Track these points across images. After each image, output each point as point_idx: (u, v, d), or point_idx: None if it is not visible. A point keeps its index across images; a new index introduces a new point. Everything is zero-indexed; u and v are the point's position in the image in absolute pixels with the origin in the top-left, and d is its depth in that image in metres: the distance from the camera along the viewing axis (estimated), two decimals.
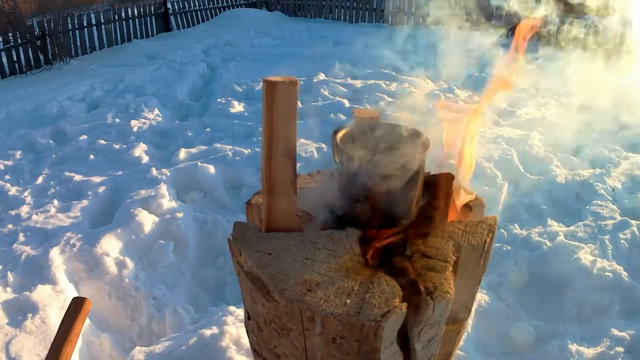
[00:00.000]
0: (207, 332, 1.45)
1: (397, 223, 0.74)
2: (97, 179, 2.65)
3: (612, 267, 1.75)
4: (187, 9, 8.66)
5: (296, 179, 0.70)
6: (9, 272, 1.82)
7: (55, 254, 1.85)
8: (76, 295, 1.58)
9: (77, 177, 2.69)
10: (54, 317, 1.49)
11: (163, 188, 2.28)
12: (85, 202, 2.39)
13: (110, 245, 1.95)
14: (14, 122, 4.12)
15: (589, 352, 1.46)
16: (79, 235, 1.97)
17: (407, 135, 0.76)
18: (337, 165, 0.75)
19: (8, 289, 1.72)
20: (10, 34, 6.76)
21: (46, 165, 3.00)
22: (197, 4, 8.83)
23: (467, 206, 0.80)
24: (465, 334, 1.46)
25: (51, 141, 3.44)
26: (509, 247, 1.94)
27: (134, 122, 3.61)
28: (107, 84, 5.12)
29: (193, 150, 2.89)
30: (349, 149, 0.72)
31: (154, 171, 2.46)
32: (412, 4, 8.23)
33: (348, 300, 0.59)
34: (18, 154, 3.23)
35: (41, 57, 6.86)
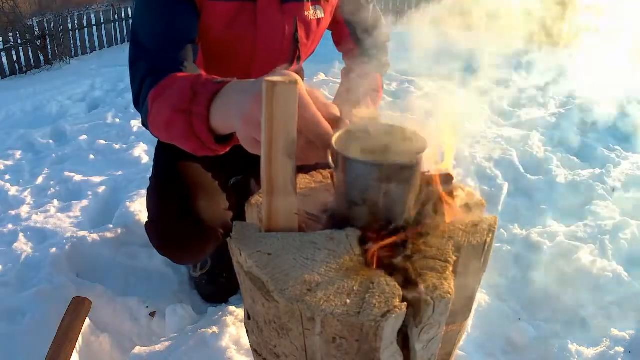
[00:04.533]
0: (207, 332, 1.45)
1: (396, 224, 0.74)
2: (97, 179, 2.65)
3: (612, 267, 1.75)
4: None
5: (296, 179, 0.69)
6: (9, 272, 1.82)
7: (55, 254, 1.85)
8: (76, 295, 1.58)
9: (77, 177, 2.69)
10: (54, 317, 1.49)
11: None
12: (85, 202, 2.39)
13: (111, 245, 1.95)
14: (14, 122, 4.12)
15: (589, 352, 1.46)
16: (79, 235, 1.98)
17: (404, 135, 0.76)
18: (333, 168, 0.74)
19: (8, 289, 1.72)
20: (10, 34, 6.77)
21: (46, 165, 3.00)
22: None
23: (467, 206, 0.80)
24: (465, 334, 1.46)
25: (51, 141, 3.44)
26: (509, 247, 1.94)
27: (134, 122, 3.61)
28: (107, 84, 5.11)
29: None
30: (344, 151, 0.71)
31: None
32: (412, 4, 8.25)
33: (348, 300, 0.59)
34: (18, 154, 3.23)
35: (41, 57, 6.87)
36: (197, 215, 1.27)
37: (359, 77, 1.37)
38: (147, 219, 1.41)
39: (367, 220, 0.72)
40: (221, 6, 1.20)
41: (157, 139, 1.54)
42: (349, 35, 1.58)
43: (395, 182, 0.70)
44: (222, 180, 1.44)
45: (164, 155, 1.50)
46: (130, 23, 7.95)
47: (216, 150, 0.86)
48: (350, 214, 0.74)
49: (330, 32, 1.63)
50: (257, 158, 0.67)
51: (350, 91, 1.40)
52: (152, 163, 1.55)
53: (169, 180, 1.39)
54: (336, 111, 0.73)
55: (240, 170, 1.61)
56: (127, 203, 2.24)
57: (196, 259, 1.60)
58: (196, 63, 1.10)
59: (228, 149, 0.87)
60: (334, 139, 0.71)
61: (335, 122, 0.72)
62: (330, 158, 0.74)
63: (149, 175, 1.51)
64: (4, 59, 6.42)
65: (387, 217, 0.72)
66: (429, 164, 0.80)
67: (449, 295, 0.62)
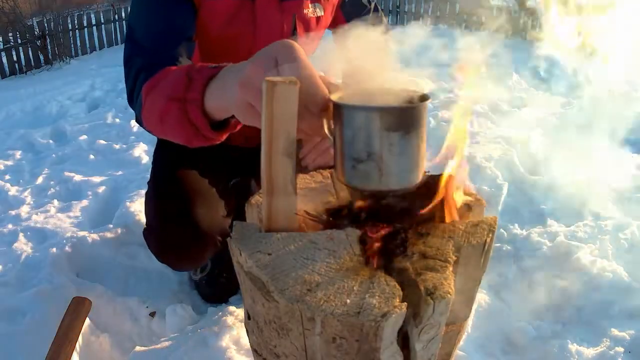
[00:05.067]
0: (207, 332, 1.45)
1: (394, 189, 0.71)
2: (97, 179, 2.65)
3: (612, 267, 1.75)
4: None
5: (296, 179, 0.69)
6: (9, 272, 1.82)
7: (55, 254, 1.85)
8: (76, 295, 1.58)
9: (77, 177, 2.69)
10: (54, 317, 1.49)
11: None
12: (85, 202, 2.39)
13: (111, 245, 1.95)
14: (14, 122, 4.12)
15: (589, 352, 1.46)
16: (79, 235, 1.98)
17: (406, 92, 0.74)
18: (333, 132, 0.71)
19: (8, 289, 1.72)
20: (10, 34, 6.78)
21: (46, 165, 3.00)
22: None
23: (467, 206, 0.80)
24: (465, 334, 1.46)
25: (51, 141, 3.44)
26: (509, 247, 1.94)
27: (134, 122, 3.61)
28: (107, 84, 5.12)
29: None
30: (346, 102, 0.69)
31: None
32: (411, 3, 8.25)
33: (348, 300, 0.59)
34: (18, 154, 3.23)
35: (41, 57, 6.88)
36: (196, 223, 1.27)
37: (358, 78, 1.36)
38: (145, 225, 1.41)
39: (375, 178, 0.69)
40: (220, 4, 1.20)
41: (156, 141, 1.54)
42: (350, 36, 1.57)
43: (401, 130, 0.67)
44: (221, 185, 1.44)
45: (161, 160, 1.50)
46: (126, 18, 7.98)
47: (211, 139, 0.84)
48: (354, 175, 0.70)
49: (328, 29, 1.63)
50: (256, 159, 0.67)
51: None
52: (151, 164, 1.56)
53: (167, 187, 1.39)
54: (330, 79, 0.72)
55: (239, 173, 1.60)
56: (127, 203, 2.24)
57: (194, 266, 1.60)
58: (192, 61, 1.09)
59: (224, 137, 0.86)
60: (332, 97, 0.70)
61: (330, 87, 0.71)
62: (325, 126, 0.71)
63: (149, 175, 1.52)
64: (4, 59, 6.43)
65: (395, 173, 0.69)
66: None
67: (449, 295, 0.62)
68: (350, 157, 0.70)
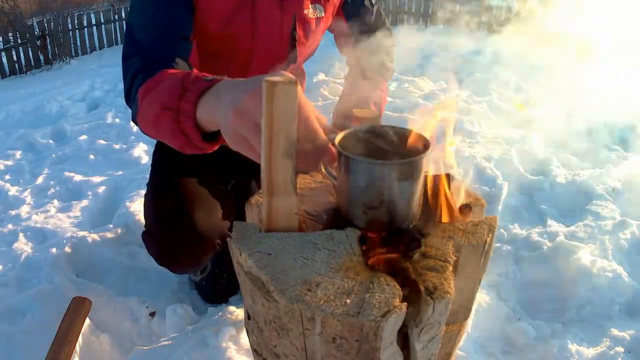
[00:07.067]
0: (207, 332, 1.45)
1: (401, 227, 0.73)
2: (97, 179, 2.65)
3: (612, 267, 1.75)
4: None
5: (296, 179, 0.69)
6: (9, 272, 1.82)
7: (55, 254, 1.85)
8: (76, 295, 1.58)
9: (77, 177, 2.69)
10: (54, 317, 1.49)
11: None
12: (85, 202, 2.39)
13: (111, 245, 1.95)
14: (14, 122, 4.12)
15: (589, 352, 1.46)
16: (79, 235, 1.98)
17: (404, 134, 0.75)
18: (334, 177, 0.73)
19: (8, 289, 1.72)
20: (10, 34, 6.78)
21: (46, 165, 3.00)
22: None
23: (467, 206, 0.80)
24: (465, 334, 1.46)
25: (51, 141, 3.44)
26: (509, 247, 1.94)
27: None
28: (107, 84, 5.11)
29: None
30: (350, 153, 0.70)
31: None
32: (412, 3, 8.25)
33: (348, 300, 0.59)
34: (18, 154, 3.23)
35: (41, 57, 6.88)
36: (195, 227, 1.27)
37: (363, 83, 1.36)
38: (144, 228, 1.40)
39: (385, 221, 0.72)
40: (218, 2, 1.19)
41: (155, 142, 1.54)
42: (353, 39, 1.57)
43: (411, 177, 0.70)
44: (220, 186, 1.44)
45: (160, 162, 1.49)
46: (126, 18, 7.96)
47: (204, 149, 0.84)
48: (364, 219, 0.72)
49: (330, 32, 1.62)
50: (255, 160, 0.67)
51: (353, 97, 1.39)
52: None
53: (166, 190, 1.39)
54: (326, 121, 0.73)
55: (239, 174, 1.60)
56: (127, 203, 2.24)
57: (194, 269, 1.59)
58: (190, 60, 1.09)
59: (216, 147, 0.86)
60: (336, 142, 0.71)
61: (325, 130, 0.72)
62: (323, 168, 0.73)
63: (149, 175, 1.51)
64: (4, 59, 6.43)
65: (403, 215, 0.72)
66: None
67: (449, 295, 0.62)
68: (361, 204, 0.72)
